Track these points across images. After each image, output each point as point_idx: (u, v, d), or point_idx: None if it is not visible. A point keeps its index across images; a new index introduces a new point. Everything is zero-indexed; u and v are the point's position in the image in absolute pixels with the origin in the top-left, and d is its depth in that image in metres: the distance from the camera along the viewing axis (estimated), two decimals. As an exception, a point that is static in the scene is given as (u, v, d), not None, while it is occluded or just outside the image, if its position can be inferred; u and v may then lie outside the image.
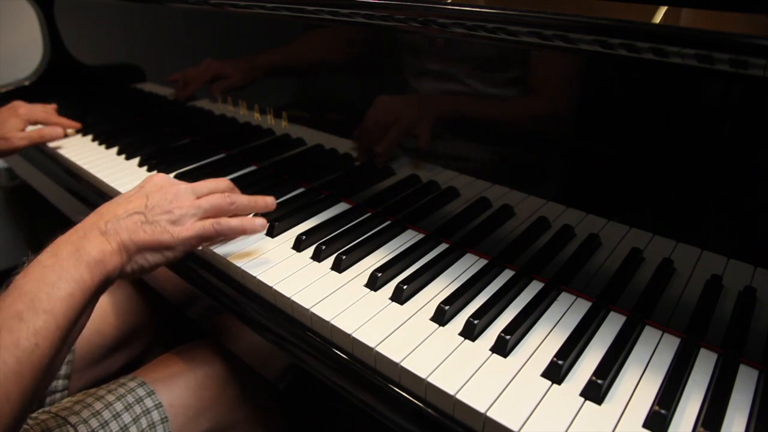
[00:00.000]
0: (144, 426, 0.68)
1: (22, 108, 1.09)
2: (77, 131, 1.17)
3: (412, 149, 0.74)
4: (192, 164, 0.97)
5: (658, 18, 0.47)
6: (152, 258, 0.61)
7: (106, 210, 0.62)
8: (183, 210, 0.63)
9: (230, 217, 0.68)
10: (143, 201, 0.62)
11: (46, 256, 0.54)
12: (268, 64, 0.88)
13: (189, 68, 1.02)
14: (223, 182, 0.71)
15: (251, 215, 0.72)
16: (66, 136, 1.14)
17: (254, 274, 0.66)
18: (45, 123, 1.11)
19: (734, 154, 0.49)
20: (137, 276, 0.62)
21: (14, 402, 0.45)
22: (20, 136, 1.05)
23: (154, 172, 0.95)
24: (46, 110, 1.13)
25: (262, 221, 0.68)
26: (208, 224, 0.64)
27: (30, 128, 1.10)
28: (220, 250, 0.71)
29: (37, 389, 0.48)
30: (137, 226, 0.60)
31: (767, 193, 0.49)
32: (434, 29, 0.62)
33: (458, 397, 0.48)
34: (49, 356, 0.49)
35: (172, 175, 0.92)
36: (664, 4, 0.48)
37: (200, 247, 0.71)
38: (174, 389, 0.73)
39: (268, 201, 0.72)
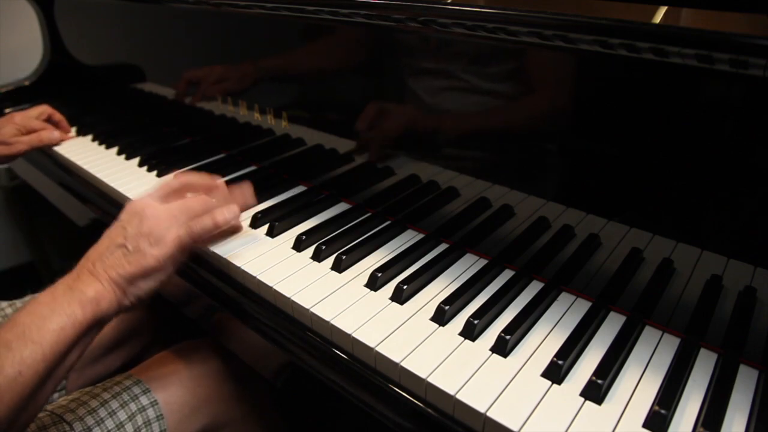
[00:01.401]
0: (139, 423, 0.68)
1: (18, 116, 1.09)
2: (77, 131, 1.17)
3: (412, 149, 0.74)
4: (192, 164, 0.97)
5: (658, 18, 0.47)
6: (145, 285, 0.61)
7: (92, 251, 0.63)
8: (160, 227, 0.62)
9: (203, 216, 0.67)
10: (122, 233, 0.62)
11: (44, 295, 0.57)
12: (268, 64, 0.88)
13: (193, 71, 1.02)
14: (197, 179, 0.71)
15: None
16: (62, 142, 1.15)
17: (254, 274, 0.66)
18: (39, 129, 1.11)
19: (734, 154, 0.49)
20: (141, 304, 0.62)
21: None
22: (22, 140, 1.06)
23: (154, 172, 0.95)
24: (40, 118, 1.13)
25: (232, 208, 0.68)
26: (182, 232, 0.63)
27: None
28: (220, 250, 0.71)
29: (15, 417, 0.49)
30: (121, 259, 0.60)
31: (767, 193, 0.49)
32: (434, 29, 0.62)
33: (458, 397, 0.48)
34: (32, 386, 0.50)
35: (171, 175, 0.92)
36: (664, 4, 0.48)
37: (206, 249, 0.71)
38: (169, 387, 0.73)
39: (245, 190, 0.74)
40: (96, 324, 0.58)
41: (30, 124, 1.09)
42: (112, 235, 0.63)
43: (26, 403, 0.50)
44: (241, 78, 0.93)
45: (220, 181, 0.74)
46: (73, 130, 1.19)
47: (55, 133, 1.10)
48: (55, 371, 0.53)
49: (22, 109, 1.28)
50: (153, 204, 0.65)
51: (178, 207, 0.65)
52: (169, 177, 0.73)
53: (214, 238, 0.72)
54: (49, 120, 1.14)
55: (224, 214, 0.67)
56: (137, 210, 0.65)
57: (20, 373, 0.49)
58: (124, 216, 0.65)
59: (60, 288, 0.57)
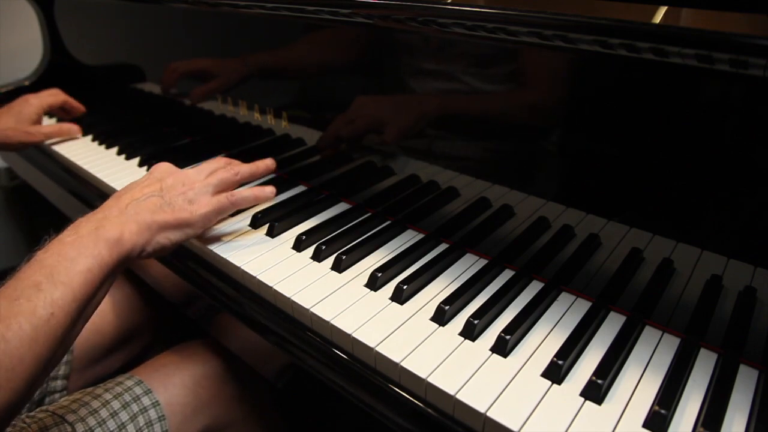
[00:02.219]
0: (141, 424, 0.68)
1: (32, 98, 1.10)
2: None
3: (412, 149, 0.74)
4: (192, 164, 0.97)
5: (658, 18, 0.47)
6: (173, 236, 0.64)
7: (123, 193, 0.65)
8: (195, 189, 0.67)
9: (240, 187, 0.72)
10: (158, 185, 0.66)
11: (67, 234, 0.57)
12: (268, 64, 0.88)
13: (182, 62, 1.02)
14: (222, 160, 0.76)
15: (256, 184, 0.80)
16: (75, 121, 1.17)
17: (254, 274, 0.66)
18: (55, 105, 1.14)
19: (734, 154, 0.49)
20: (157, 255, 0.64)
21: (27, 366, 0.46)
22: (43, 131, 1.07)
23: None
24: (51, 93, 1.14)
25: (271, 188, 0.73)
26: (223, 198, 0.68)
27: (45, 121, 1.15)
28: (219, 249, 0.71)
29: (49, 359, 0.50)
30: (156, 207, 0.63)
31: (767, 193, 0.49)
32: (434, 29, 0.62)
33: (458, 397, 0.48)
34: (64, 327, 0.51)
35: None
36: (664, 4, 0.48)
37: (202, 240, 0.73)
38: (171, 387, 0.73)
39: (268, 163, 0.77)
40: (120, 264, 0.58)
41: (47, 102, 1.11)
42: (147, 184, 0.66)
43: (60, 342, 0.50)
44: (240, 78, 0.93)
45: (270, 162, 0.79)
46: (73, 130, 1.19)
47: (75, 127, 1.12)
48: (84, 311, 0.54)
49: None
50: (188, 169, 0.71)
51: (214, 176, 0.70)
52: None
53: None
54: (62, 108, 1.16)
55: (266, 193, 0.73)
56: (171, 170, 0.70)
57: (53, 314, 0.49)
58: (157, 173, 0.69)
59: (85, 227, 0.57)
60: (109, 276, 0.57)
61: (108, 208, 0.62)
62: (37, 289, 0.50)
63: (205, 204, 0.66)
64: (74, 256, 0.54)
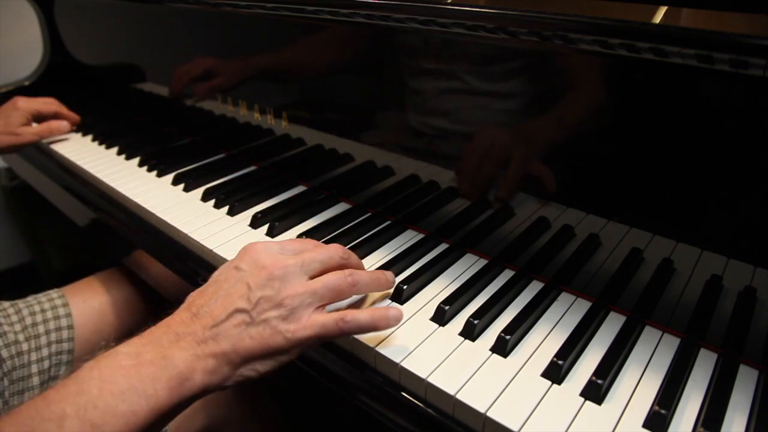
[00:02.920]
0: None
1: (21, 101, 1.09)
2: (77, 130, 1.17)
3: (412, 149, 0.74)
4: (192, 164, 0.97)
5: (658, 18, 0.47)
6: (262, 367, 0.48)
7: (200, 306, 0.49)
8: (296, 299, 0.49)
9: (354, 307, 0.56)
10: (245, 292, 0.49)
11: (127, 351, 0.45)
12: (268, 64, 0.88)
13: (186, 66, 1.02)
14: (336, 250, 0.55)
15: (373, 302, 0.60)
16: (72, 131, 1.16)
17: (254, 274, 0.66)
18: (46, 113, 1.12)
19: (734, 154, 0.49)
20: (240, 386, 0.49)
21: None
22: (31, 131, 1.06)
23: (155, 172, 0.95)
24: (45, 101, 1.13)
25: (396, 313, 0.52)
26: (331, 322, 0.49)
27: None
28: (220, 249, 0.71)
29: None
30: (241, 330, 0.47)
31: (767, 193, 0.49)
32: (434, 29, 0.62)
33: (458, 397, 0.48)
34: None
35: (171, 175, 0.92)
36: (664, 4, 0.48)
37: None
38: None
39: (389, 278, 0.57)
40: (180, 407, 0.45)
41: (35, 107, 1.10)
42: (231, 290, 0.49)
43: None
44: (240, 78, 0.93)
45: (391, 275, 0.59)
46: (73, 129, 1.19)
47: (64, 123, 1.11)
48: None
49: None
50: (283, 259, 0.51)
51: (323, 282, 0.51)
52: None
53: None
54: (55, 117, 1.14)
55: (389, 321, 0.52)
56: (266, 263, 0.50)
57: None
58: (245, 265, 0.51)
59: (150, 352, 0.45)
60: (160, 421, 0.44)
61: (183, 326, 0.47)
62: (59, 424, 0.39)
63: (306, 325, 0.48)
64: (123, 390, 0.42)
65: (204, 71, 0.98)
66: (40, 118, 1.12)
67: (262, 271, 0.50)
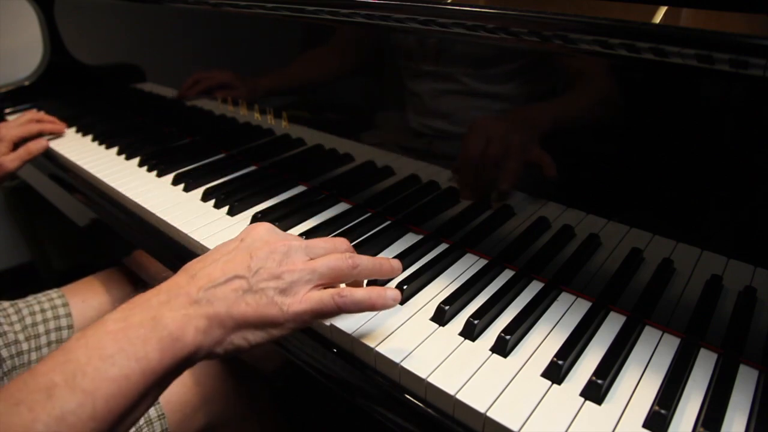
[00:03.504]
0: (141, 423, 0.68)
1: (2, 129, 1.07)
2: (77, 131, 1.17)
3: (412, 149, 0.74)
4: (192, 164, 0.97)
5: (658, 18, 0.47)
6: (252, 337, 0.47)
7: (199, 269, 0.48)
8: (295, 274, 0.48)
9: (352, 285, 0.54)
10: (246, 261, 0.48)
11: (115, 318, 0.44)
12: (267, 64, 0.88)
13: (200, 73, 1.02)
14: (341, 242, 0.55)
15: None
16: (59, 136, 1.15)
17: (254, 274, 0.66)
18: (26, 136, 1.10)
19: (734, 154, 0.49)
20: (229, 356, 0.48)
21: None
22: (11, 158, 1.04)
23: (155, 172, 0.95)
24: (22, 122, 1.11)
25: (394, 294, 0.52)
26: (327, 296, 0.48)
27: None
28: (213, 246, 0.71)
29: None
30: (238, 295, 0.46)
31: (767, 193, 0.49)
32: (434, 29, 0.62)
33: (458, 397, 0.48)
34: None
35: (171, 175, 0.92)
36: (664, 4, 0.48)
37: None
38: (171, 386, 0.73)
39: (394, 264, 0.56)
40: (175, 370, 0.44)
41: (18, 134, 1.08)
42: (232, 256, 0.49)
43: None
44: (240, 78, 0.93)
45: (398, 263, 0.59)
46: (73, 129, 1.19)
47: (43, 141, 1.09)
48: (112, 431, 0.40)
49: (22, 110, 1.28)
50: (288, 237, 0.52)
51: (324, 261, 0.50)
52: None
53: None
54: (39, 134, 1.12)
55: (386, 300, 0.51)
56: (269, 238, 0.51)
57: None
58: (249, 239, 0.51)
59: (139, 314, 0.44)
60: (153, 386, 0.42)
61: (176, 287, 0.46)
62: (48, 394, 0.37)
63: (302, 299, 0.48)
64: (112, 353, 0.40)
65: (219, 84, 0.97)
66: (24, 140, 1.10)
67: (266, 246, 0.50)
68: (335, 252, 0.53)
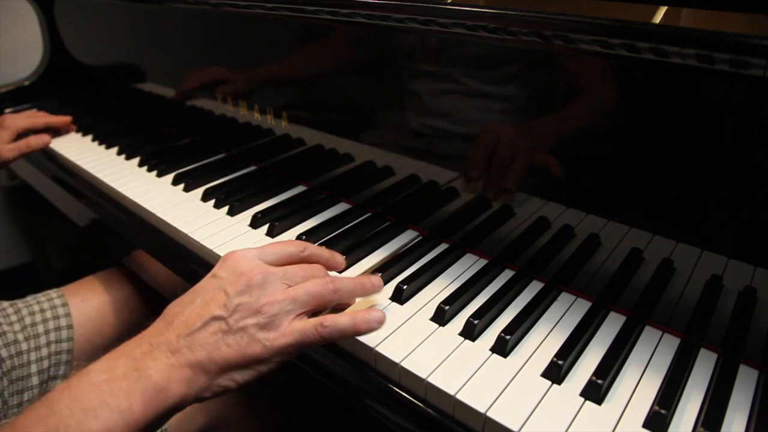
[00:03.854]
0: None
1: (8, 119, 1.08)
2: (77, 130, 1.17)
3: (412, 149, 0.74)
4: (192, 164, 0.97)
5: (658, 18, 0.47)
6: (240, 376, 0.46)
7: (176, 314, 0.48)
8: (275, 306, 0.47)
9: (335, 311, 0.53)
10: (222, 299, 0.47)
11: (99, 369, 0.43)
12: (267, 64, 0.88)
13: (192, 72, 1.02)
14: (318, 269, 0.54)
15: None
16: (60, 134, 1.15)
17: (254, 274, 0.66)
18: (31, 128, 1.10)
19: (734, 154, 0.49)
20: (218, 396, 0.48)
21: None
22: (9, 147, 1.04)
23: (155, 172, 0.95)
24: (29, 115, 1.12)
25: (379, 315, 0.50)
26: (310, 327, 0.47)
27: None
28: (220, 249, 0.71)
29: None
30: (217, 338, 0.45)
31: (767, 193, 0.49)
32: (434, 29, 0.62)
33: (458, 397, 0.48)
34: None
35: (171, 175, 0.92)
36: (664, 4, 0.48)
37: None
38: None
39: (375, 282, 0.56)
40: (159, 420, 0.44)
41: (23, 125, 1.08)
42: (208, 298, 0.48)
43: None
44: (240, 78, 0.93)
45: (342, 258, 0.61)
46: (73, 130, 1.19)
47: (45, 137, 1.09)
48: None
49: (22, 110, 1.28)
50: (263, 266, 0.50)
51: (305, 289, 0.49)
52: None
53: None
54: (45, 129, 1.12)
55: (370, 324, 0.50)
56: (243, 269, 0.49)
57: None
58: (223, 272, 0.50)
59: (123, 365, 0.43)
60: None
61: (157, 335, 0.46)
62: None
63: (285, 332, 0.47)
64: (95, 407, 0.40)
65: (214, 81, 0.97)
66: (27, 132, 1.10)
67: (241, 278, 0.48)
68: (314, 278, 0.52)
